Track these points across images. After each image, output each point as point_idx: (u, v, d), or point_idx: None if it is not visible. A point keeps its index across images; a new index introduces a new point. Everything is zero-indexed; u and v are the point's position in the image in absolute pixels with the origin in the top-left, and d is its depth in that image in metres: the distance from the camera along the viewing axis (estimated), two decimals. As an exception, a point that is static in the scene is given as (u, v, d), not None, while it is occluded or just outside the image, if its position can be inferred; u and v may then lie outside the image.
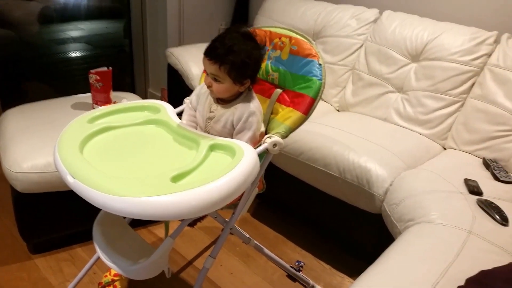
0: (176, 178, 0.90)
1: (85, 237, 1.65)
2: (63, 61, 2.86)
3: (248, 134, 1.10)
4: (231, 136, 1.12)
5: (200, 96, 1.20)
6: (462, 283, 0.92)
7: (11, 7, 2.50)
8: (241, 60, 1.05)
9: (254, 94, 1.16)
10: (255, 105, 1.12)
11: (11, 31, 2.53)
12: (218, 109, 1.13)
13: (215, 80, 1.08)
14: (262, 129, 1.17)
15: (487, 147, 1.63)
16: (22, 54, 2.61)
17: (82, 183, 0.88)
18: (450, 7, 1.94)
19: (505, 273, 0.91)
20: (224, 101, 1.14)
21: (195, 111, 1.21)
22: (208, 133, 1.15)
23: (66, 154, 0.97)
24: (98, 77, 1.68)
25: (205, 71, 1.13)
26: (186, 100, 1.28)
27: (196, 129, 1.19)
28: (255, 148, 1.02)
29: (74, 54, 2.89)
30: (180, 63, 2.17)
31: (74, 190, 0.90)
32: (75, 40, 2.86)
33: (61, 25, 2.78)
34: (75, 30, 2.85)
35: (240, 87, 1.10)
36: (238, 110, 1.11)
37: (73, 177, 0.91)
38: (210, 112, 1.15)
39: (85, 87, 1.94)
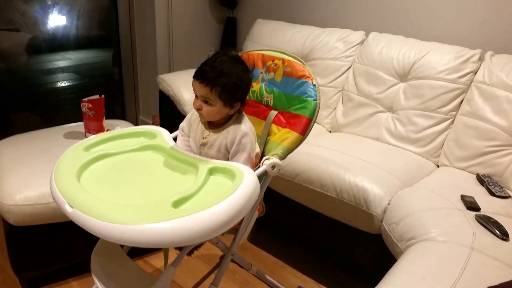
0: (177, 203, 0.88)
1: (81, 270, 1.60)
2: (52, 91, 2.86)
3: (243, 156, 1.09)
4: (226, 159, 1.12)
5: (191, 123, 1.20)
6: (469, 300, 0.91)
7: (-1, 38, 2.51)
8: (233, 82, 1.06)
9: (245, 116, 1.16)
10: (247, 126, 1.12)
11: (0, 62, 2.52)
12: (210, 135, 1.13)
13: (206, 102, 1.08)
14: (257, 150, 1.16)
15: (480, 163, 1.65)
16: (11, 85, 2.60)
17: (81, 212, 0.86)
18: (434, 27, 2.00)
19: (512, 288, 0.90)
20: (215, 126, 1.14)
21: (188, 137, 1.21)
22: None
23: (63, 183, 0.96)
24: (90, 105, 1.67)
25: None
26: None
27: None
28: (253, 170, 1.01)
29: (63, 84, 2.89)
30: (172, 89, 2.17)
31: (73, 219, 0.88)
32: (63, 70, 2.86)
33: (50, 55, 2.79)
34: (64, 60, 2.85)
35: (230, 110, 1.10)
36: (231, 133, 1.11)
37: (71, 206, 0.89)
38: (203, 138, 1.14)
39: (75, 117, 1.93)
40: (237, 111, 1.13)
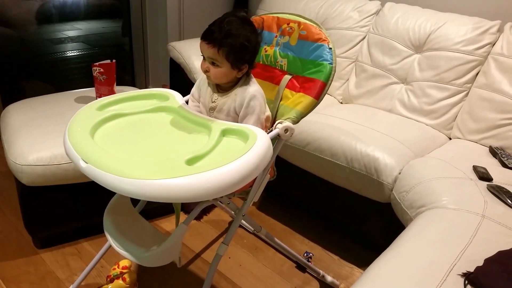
0: (191, 161, 0.89)
1: (91, 232, 1.63)
2: (62, 60, 2.85)
3: (252, 119, 1.09)
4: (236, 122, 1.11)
5: (200, 88, 1.19)
6: (479, 264, 0.91)
7: (8, 5, 2.49)
8: (240, 43, 1.05)
9: (254, 78, 1.15)
10: (255, 88, 1.11)
11: (9, 29, 2.51)
12: (219, 99, 1.13)
13: (213, 64, 1.07)
14: (268, 112, 1.15)
15: (493, 135, 1.63)
16: (20, 52, 2.60)
17: (96, 167, 0.87)
18: (452, -2, 1.95)
19: (524, 252, 0.90)
20: (223, 89, 1.13)
21: (199, 102, 1.21)
22: None
23: (77, 139, 0.96)
24: (101, 70, 1.67)
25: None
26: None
27: None
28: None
29: (73, 53, 2.88)
30: (183, 56, 2.15)
31: (87, 175, 0.89)
32: (73, 39, 2.85)
33: (59, 24, 2.77)
34: (73, 30, 2.84)
35: (238, 73, 1.09)
36: (239, 96, 1.10)
37: (85, 162, 0.89)
38: (212, 102, 1.14)
39: (84, 86, 1.93)
40: (246, 74, 1.12)
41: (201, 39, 1.07)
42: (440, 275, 0.89)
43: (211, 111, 1.15)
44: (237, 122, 1.10)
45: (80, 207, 1.55)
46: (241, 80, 1.12)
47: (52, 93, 1.89)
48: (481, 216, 1.13)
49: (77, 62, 2.94)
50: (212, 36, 1.04)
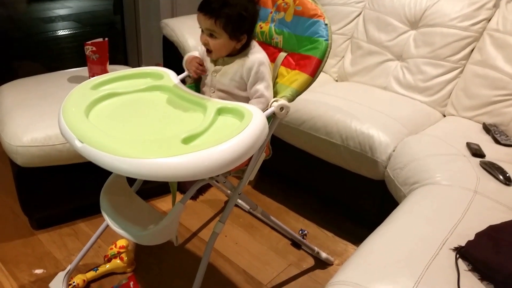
0: (187, 140, 0.89)
1: (88, 212, 1.64)
2: (53, 39, 2.81)
3: (263, 84, 1.09)
4: (238, 89, 1.12)
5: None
6: (471, 239, 0.93)
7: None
8: (237, 13, 1.04)
9: (259, 46, 1.15)
10: (263, 55, 1.12)
11: (-2, 8, 2.46)
12: (224, 61, 1.13)
13: (211, 36, 1.07)
14: None
15: (487, 112, 1.64)
16: (11, 32, 2.56)
17: (91, 146, 0.87)
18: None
19: (514, 226, 0.92)
20: (229, 54, 1.13)
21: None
22: (214, 87, 1.15)
23: (72, 119, 0.95)
24: (94, 49, 1.64)
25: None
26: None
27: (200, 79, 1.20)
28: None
29: (64, 32, 2.84)
30: (176, 34, 2.12)
31: (83, 154, 0.89)
32: (63, 18, 2.80)
33: (49, 3, 2.72)
34: (64, 8, 2.79)
35: (237, 43, 1.09)
36: (247, 62, 1.10)
37: (81, 141, 0.89)
38: (216, 65, 1.14)
39: (76, 66, 1.91)
40: (251, 42, 1.12)
41: (198, 10, 1.06)
42: (432, 250, 0.91)
43: (214, 73, 1.15)
44: (242, 88, 1.12)
45: (76, 187, 1.55)
46: (249, 47, 1.12)
47: (44, 73, 1.86)
48: (473, 192, 1.15)
49: (68, 41, 2.90)
50: (209, 7, 1.04)
